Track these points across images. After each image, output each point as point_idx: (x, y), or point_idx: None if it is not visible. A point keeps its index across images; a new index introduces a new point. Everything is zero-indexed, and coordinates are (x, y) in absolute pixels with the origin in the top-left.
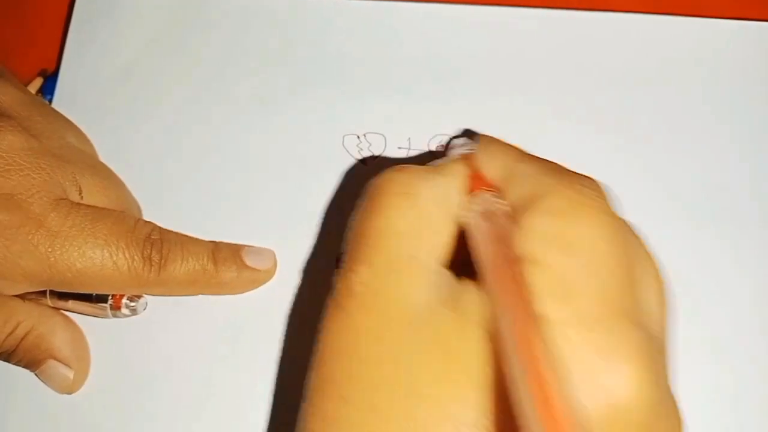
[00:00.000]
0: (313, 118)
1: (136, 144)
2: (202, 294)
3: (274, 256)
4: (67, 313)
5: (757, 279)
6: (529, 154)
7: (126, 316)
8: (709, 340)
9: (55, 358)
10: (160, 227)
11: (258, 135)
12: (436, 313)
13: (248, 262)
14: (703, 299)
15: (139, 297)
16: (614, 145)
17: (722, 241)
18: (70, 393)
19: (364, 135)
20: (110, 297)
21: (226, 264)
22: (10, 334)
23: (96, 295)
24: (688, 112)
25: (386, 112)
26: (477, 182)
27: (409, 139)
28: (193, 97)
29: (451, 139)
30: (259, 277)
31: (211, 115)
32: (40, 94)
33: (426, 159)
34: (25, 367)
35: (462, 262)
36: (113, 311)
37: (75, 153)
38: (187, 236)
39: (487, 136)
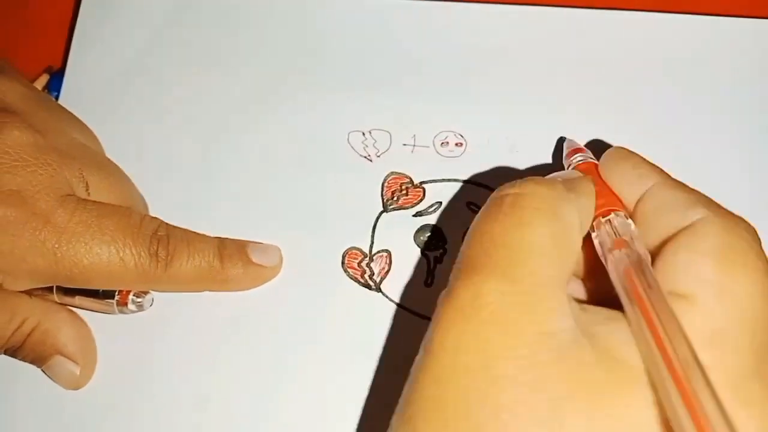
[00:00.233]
0: (319, 115)
1: (142, 140)
2: (208, 290)
3: (280, 252)
4: (73, 309)
5: None
6: (672, 178)
7: (132, 312)
8: None
9: (62, 354)
10: (166, 223)
11: (263, 131)
12: (577, 344)
13: (254, 258)
14: None
15: (145, 293)
16: (618, 141)
17: None
18: (76, 388)
19: (369, 132)
20: (117, 293)
21: (231, 260)
22: (17, 329)
23: (103, 291)
24: (692, 109)
25: (391, 108)
26: (607, 199)
27: (414, 135)
28: (198, 93)
29: (562, 139)
30: (264, 274)
31: (217, 112)
32: (46, 91)
33: (431, 156)
34: (32, 362)
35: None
36: (120, 307)
37: (81, 149)
38: (193, 233)
39: (620, 149)
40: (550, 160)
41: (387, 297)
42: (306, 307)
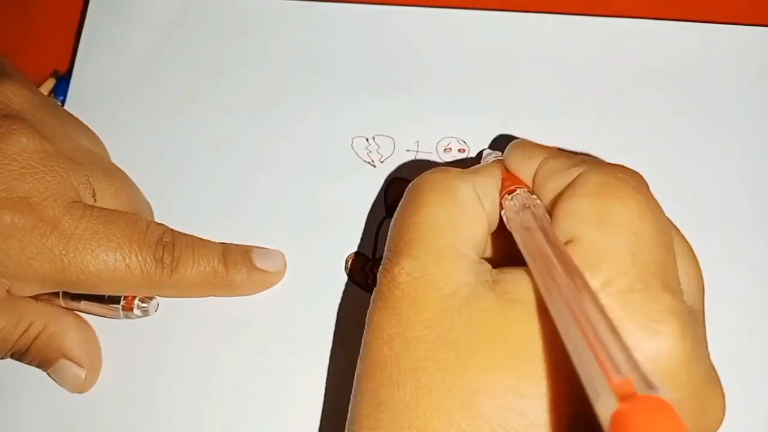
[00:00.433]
0: (323, 121)
1: (147, 146)
2: (213, 295)
3: (284, 257)
4: (79, 314)
5: (756, 279)
6: (558, 150)
7: (138, 317)
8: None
9: (67, 358)
10: (171, 229)
11: (268, 137)
12: (477, 294)
13: (258, 263)
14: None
15: (150, 298)
16: (620, 146)
17: (728, 241)
18: (81, 392)
19: (373, 137)
20: (122, 298)
21: (236, 266)
22: (23, 333)
23: (108, 296)
24: (691, 116)
25: (395, 114)
26: (511, 181)
27: (418, 141)
28: (204, 99)
29: (482, 150)
30: (268, 279)
31: (222, 118)
32: (52, 96)
33: (434, 162)
34: (38, 366)
35: (502, 260)
36: (125, 312)
37: (88, 155)
38: (198, 238)
39: (517, 139)
40: None
41: None
42: (309, 312)
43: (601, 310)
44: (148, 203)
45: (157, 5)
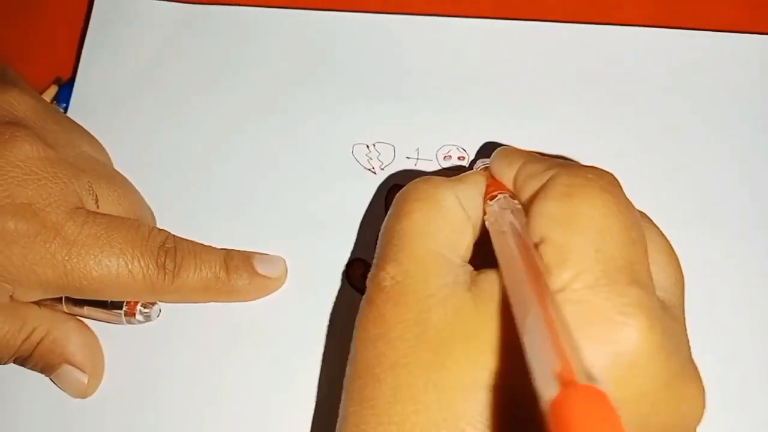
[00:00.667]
0: (323, 128)
1: (150, 152)
2: (214, 301)
3: (285, 263)
4: (82, 319)
5: (757, 281)
6: (536, 155)
7: (140, 322)
8: (708, 341)
9: (70, 363)
10: (173, 235)
11: (269, 144)
12: (454, 295)
13: (259, 269)
14: (704, 302)
15: (153, 304)
16: (619, 153)
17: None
18: (84, 397)
19: (374, 144)
20: (125, 304)
21: (237, 272)
22: (26, 339)
23: (111, 301)
24: (691, 123)
25: (395, 122)
26: (494, 188)
27: (418, 149)
28: (205, 105)
29: (474, 160)
30: (269, 285)
31: (223, 124)
32: (55, 103)
33: (434, 169)
34: (41, 371)
35: (488, 267)
36: (128, 318)
37: (90, 162)
38: (200, 244)
39: (502, 147)
40: None
41: None
42: (310, 318)
43: (556, 307)
44: (150, 209)
45: (160, 13)
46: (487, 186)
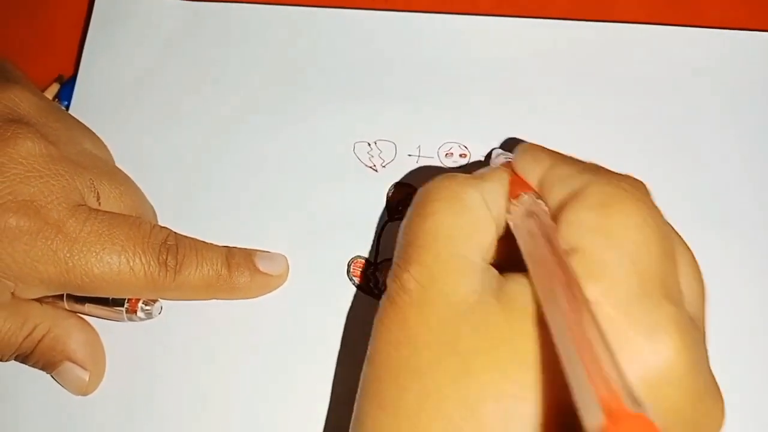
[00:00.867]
0: (325, 126)
1: (151, 150)
2: (216, 298)
3: (286, 261)
4: (83, 317)
5: (758, 281)
6: (565, 156)
7: (141, 319)
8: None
9: (71, 360)
10: (175, 232)
11: (270, 142)
12: (483, 302)
13: (261, 267)
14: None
15: (154, 301)
16: (621, 152)
17: (730, 247)
18: (85, 394)
19: (375, 142)
20: (126, 301)
21: (239, 269)
22: (28, 336)
23: (112, 299)
24: (693, 121)
25: (397, 119)
26: (518, 186)
27: (419, 146)
28: (207, 104)
29: (492, 150)
30: (271, 282)
31: (225, 122)
32: (56, 100)
33: (435, 166)
34: (42, 368)
35: (508, 264)
36: (129, 315)
37: (92, 159)
38: (201, 241)
39: (525, 143)
40: None
41: None
42: (312, 315)
43: (597, 324)
44: (151, 207)
45: (162, 10)
46: (511, 183)
